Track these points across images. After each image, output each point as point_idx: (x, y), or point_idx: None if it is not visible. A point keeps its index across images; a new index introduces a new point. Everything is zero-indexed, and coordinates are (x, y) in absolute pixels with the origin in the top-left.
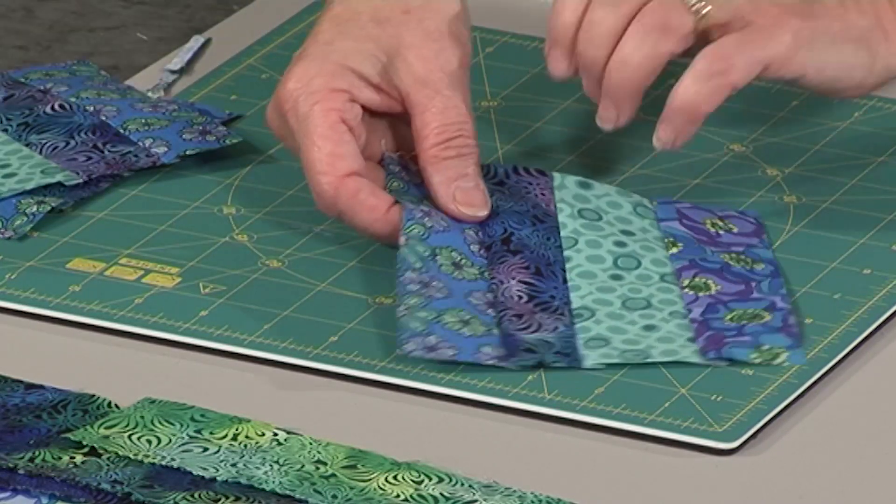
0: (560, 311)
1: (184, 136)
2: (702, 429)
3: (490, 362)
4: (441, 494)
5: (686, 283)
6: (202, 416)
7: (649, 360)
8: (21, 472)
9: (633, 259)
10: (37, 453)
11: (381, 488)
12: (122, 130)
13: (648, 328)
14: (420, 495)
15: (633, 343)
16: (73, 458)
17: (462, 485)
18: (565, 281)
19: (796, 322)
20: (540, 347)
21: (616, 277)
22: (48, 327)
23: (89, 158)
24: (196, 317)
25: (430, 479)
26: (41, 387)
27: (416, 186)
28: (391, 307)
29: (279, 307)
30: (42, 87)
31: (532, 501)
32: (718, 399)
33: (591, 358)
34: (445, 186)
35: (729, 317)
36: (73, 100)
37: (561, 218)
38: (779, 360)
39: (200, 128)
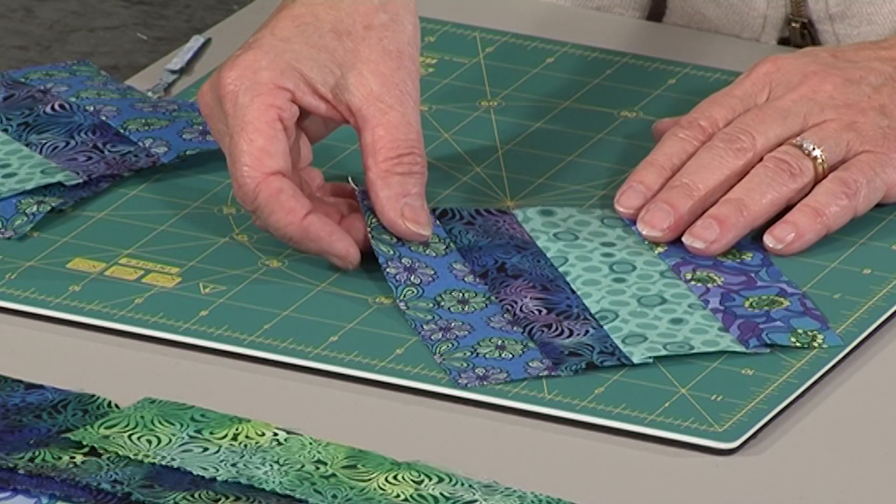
0: (583, 316)
1: (184, 136)
2: (702, 429)
3: (543, 374)
4: (441, 494)
5: (689, 276)
6: (202, 416)
7: (694, 352)
8: (21, 472)
9: (626, 264)
10: (37, 453)
11: (381, 488)
12: (122, 130)
13: (676, 321)
14: (420, 495)
15: (669, 336)
16: (73, 458)
17: (462, 485)
18: (573, 292)
19: (814, 305)
20: (582, 350)
21: (619, 281)
22: (48, 327)
23: (89, 158)
24: (196, 317)
25: (430, 479)
26: (41, 387)
27: None
28: (391, 307)
29: (279, 307)
30: (42, 87)
31: (532, 501)
32: (718, 399)
33: (637, 354)
34: (394, 201)
35: (748, 303)
36: (73, 100)
37: (540, 244)
38: (817, 343)
39: (200, 128)
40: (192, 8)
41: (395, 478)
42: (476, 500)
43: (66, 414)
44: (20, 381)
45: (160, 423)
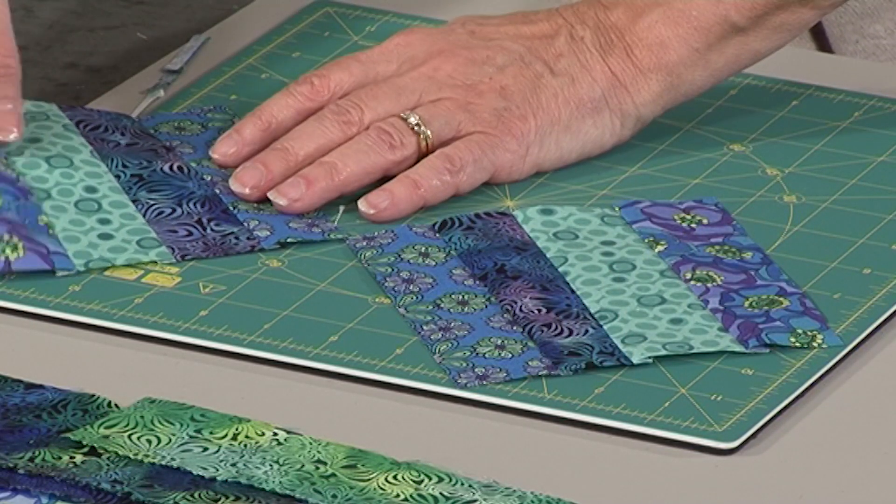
0: (583, 316)
1: (290, 224)
2: (702, 429)
3: (542, 373)
4: (441, 494)
5: (688, 275)
6: (202, 415)
7: (694, 352)
8: (21, 472)
9: (626, 263)
10: (37, 453)
11: (381, 488)
12: (231, 208)
13: (675, 322)
14: (420, 495)
15: (668, 336)
16: (73, 457)
17: (462, 485)
18: (573, 291)
19: (814, 304)
20: (582, 350)
21: (619, 280)
22: (48, 327)
23: (189, 234)
24: (196, 317)
25: (430, 479)
26: (41, 387)
27: (388, 246)
28: (391, 307)
29: (279, 307)
30: (167, 144)
31: (532, 501)
32: (718, 399)
33: (637, 354)
34: None
35: (747, 303)
36: (193, 164)
37: (541, 244)
38: (817, 343)
39: (309, 220)
40: (192, 8)
41: (395, 478)
42: (476, 500)
43: (66, 414)
44: (20, 381)
45: (160, 422)
